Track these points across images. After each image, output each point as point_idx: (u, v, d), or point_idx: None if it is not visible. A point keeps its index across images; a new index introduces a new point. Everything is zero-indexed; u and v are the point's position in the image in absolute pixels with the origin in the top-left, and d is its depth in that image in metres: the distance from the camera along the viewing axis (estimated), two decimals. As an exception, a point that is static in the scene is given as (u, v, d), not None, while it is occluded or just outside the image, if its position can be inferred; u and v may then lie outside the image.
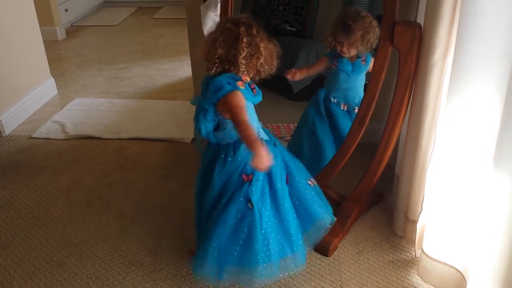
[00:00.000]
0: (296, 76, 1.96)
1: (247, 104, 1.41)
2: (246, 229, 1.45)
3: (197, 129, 1.44)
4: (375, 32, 1.74)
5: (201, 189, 1.55)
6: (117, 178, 2.30)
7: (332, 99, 1.98)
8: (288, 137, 2.32)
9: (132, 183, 2.25)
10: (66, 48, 4.48)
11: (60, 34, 4.65)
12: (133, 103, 3.17)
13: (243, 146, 1.44)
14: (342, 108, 1.97)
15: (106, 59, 4.12)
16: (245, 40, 1.35)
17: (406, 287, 1.62)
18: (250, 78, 1.45)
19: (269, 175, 1.48)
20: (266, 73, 1.44)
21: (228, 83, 1.38)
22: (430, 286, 1.62)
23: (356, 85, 1.94)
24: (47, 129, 2.81)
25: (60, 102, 3.22)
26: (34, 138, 2.72)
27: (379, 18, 1.67)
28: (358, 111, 1.75)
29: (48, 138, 2.72)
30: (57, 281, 1.68)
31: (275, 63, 1.44)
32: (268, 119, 2.38)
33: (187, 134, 2.65)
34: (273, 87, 2.34)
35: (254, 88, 1.44)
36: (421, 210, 1.62)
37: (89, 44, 4.59)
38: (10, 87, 2.82)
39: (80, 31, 5.00)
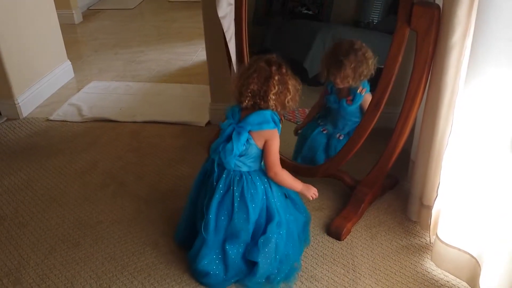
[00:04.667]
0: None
1: None
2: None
3: (227, 149, 1.49)
4: (368, 64, 1.76)
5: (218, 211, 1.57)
6: (132, 160, 2.32)
7: (319, 121, 2.04)
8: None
9: (147, 166, 2.27)
10: (82, 32, 4.50)
11: (77, 17, 4.68)
12: (149, 87, 3.19)
13: None
14: (321, 131, 2.02)
15: (122, 42, 4.13)
16: (276, 78, 1.46)
17: (419, 272, 1.61)
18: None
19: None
20: (291, 109, 1.52)
21: (274, 121, 1.49)
22: (443, 271, 1.61)
23: (343, 118, 1.95)
24: (64, 112, 2.84)
25: (76, 85, 3.25)
26: (50, 120, 2.75)
27: (395, 1, 1.63)
28: (373, 95, 1.72)
29: (65, 121, 2.75)
30: (73, 261, 1.71)
31: (298, 99, 1.52)
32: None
33: (201, 118, 2.65)
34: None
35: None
36: (437, 195, 1.60)
37: (105, 27, 4.60)
38: (27, 70, 2.85)
39: (96, 15, 5.01)
